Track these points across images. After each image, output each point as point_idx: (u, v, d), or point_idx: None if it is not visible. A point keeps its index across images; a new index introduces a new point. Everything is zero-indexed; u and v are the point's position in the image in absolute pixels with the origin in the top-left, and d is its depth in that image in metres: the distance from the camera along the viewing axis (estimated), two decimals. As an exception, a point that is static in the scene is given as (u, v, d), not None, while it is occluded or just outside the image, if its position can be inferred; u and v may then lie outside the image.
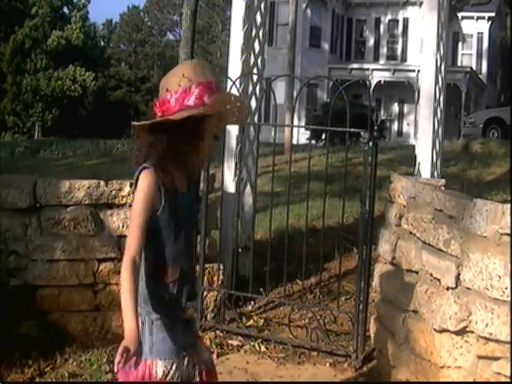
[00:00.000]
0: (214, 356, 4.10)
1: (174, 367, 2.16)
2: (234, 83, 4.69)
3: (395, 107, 29.58)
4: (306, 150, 10.51)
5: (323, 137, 17.83)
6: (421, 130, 6.98)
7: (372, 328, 4.24)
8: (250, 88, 5.49)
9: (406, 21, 29.72)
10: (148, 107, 42.44)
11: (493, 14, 29.81)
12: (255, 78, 5.54)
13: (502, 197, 7.84)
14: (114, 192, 4.44)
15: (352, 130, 4.52)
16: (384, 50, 30.49)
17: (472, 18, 29.52)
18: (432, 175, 6.65)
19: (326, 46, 29.23)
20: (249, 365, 4.16)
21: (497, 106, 25.90)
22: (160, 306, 2.17)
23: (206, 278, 4.70)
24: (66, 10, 42.19)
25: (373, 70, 28.16)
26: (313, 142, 16.71)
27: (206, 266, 4.70)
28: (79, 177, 5.18)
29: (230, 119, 2.36)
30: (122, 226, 4.38)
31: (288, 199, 4.93)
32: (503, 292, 2.80)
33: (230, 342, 4.49)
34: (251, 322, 4.77)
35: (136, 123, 2.18)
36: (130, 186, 4.43)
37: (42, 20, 37.60)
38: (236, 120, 2.41)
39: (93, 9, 79.59)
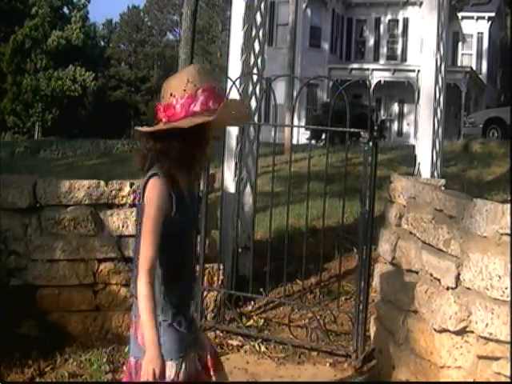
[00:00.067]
0: (214, 356, 4.10)
1: (183, 366, 2.20)
2: (234, 83, 4.69)
3: (395, 107, 29.55)
4: (306, 150, 10.50)
5: (323, 137, 17.81)
6: (421, 130, 6.98)
7: (372, 328, 4.24)
8: (250, 88, 5.49)
9: (405, 21, 29.69)
10: (148, 107, 42.50)
11: (493, 14, 29.78)
12: (255, 77, 5.54)
13: (502, 197, 7.84)
14: (114, 192, 4.44)
15: (352, 130, 4.52)
16: (384, 50, 30.46)
17: (472, 18, 29.49)
18: (432, 175, 6.65)
19: (325, 46, 29.20)
20: (249, 365, 4.16)
21: (497, 106, 25.88)
22: (169, 308, 2.19)
23: (205, 278, 4.70)
24: (66, 10, 42.18)
25: (373, 69, 28.13)
26: (313, 142, 16.70)
27: (206, 265, 4.70)
28: (79, 177, 5.18)
29: (231, 122, 2.38)
30: (122, 226, 4.38)
31: (288, 199, 4.93)
32: (503, 292, 2.80)
33: (229, 341, 4.49)
34: (251, 321, 4.77)
35: (142, 129, 2.18)
36: (130, 186, 4.43)
37: (42, 20, 37.58)
38: (237, 122, 2.44)
39: (93, 9, 79.56)
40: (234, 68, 5.39)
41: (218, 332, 4.59)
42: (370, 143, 4.25)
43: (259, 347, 4.40)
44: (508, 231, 2.82)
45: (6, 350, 3.91)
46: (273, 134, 5.07)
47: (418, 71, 20.67)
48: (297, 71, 24.01)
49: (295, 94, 17.11)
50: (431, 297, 3.20)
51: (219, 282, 4.76)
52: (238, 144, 5.32)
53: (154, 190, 2.11)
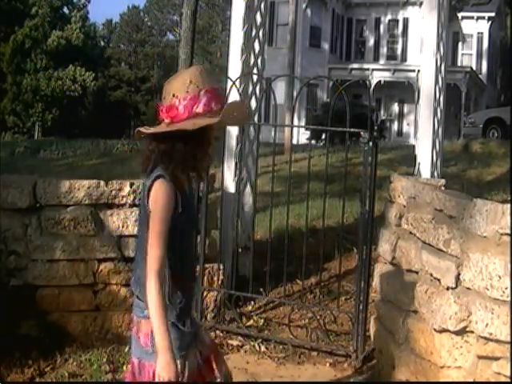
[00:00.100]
0: (214, 356, 4.10)
1: (186, 363, 2.21)
2: (234, 83, 4.69)
3: (395, 107, 29.55)
4: (306, 149, 10.51)
5: (323, 137, 17.82)
6: (421, 130, 6.98)
7: (372, 328, 4.24)
8: (250, 88, 5.48)
9: (406, 21, 29.69)
10: (148, 107, 42.44)
11: (493, 14, 29.78)
12: (255, 78, 5.54)
13: (502, 197, 7.84)
14: (114, 192, 4.44)
15: (352, 130, 4.52)
16: (384, 50, 30.46)
17: (472, 18, 29.49)
18: (432, 175, 6.65)
19: (326, 46, 29.20)
20: (249, 365, 4.16)
21: (497, 106, 25.88)
22: (173, 308, 2.20)
23: (205, 278, 4.70)
24: (66, 9, 42.22)
25: (373, 69, 28.13)
26: (313, 142, 16.70)
27: (206, 265, 4.70)
28: (79, 177, 5.18)
29: (231, 122, 2.39)
30: (122, 226, 4.38)
31: (288, 199, 4.92)
32: (503, 292, 2.80)
33: (230, 341, 4.49)
34: (251, 322, 4.77)
35: (146, 131, 2.18)
36: (130, 186, 4.43)
37: (42, 20, 37.59)
38: (237, 122, 2.44)
39: (93, 9, 79.74)
40: (234, 68, 5.39)
41: (217, 332, 4.59)
42: (370, 143, 4.25)
43: (259, 347, 4.40)
44: (508, 231, 2.82)
45: (5, 349, 3.91)
46: (273, 133, 5.07)
47: (418, 71, 20.66)
48: (297, 71, 24.00)
49: (295, 93, 17.11)
50: (431, 297, 3.20)
51: (219, 282, 4.76)
52: (237, 144, 5.32)
53: (161, 191, 2.12)
